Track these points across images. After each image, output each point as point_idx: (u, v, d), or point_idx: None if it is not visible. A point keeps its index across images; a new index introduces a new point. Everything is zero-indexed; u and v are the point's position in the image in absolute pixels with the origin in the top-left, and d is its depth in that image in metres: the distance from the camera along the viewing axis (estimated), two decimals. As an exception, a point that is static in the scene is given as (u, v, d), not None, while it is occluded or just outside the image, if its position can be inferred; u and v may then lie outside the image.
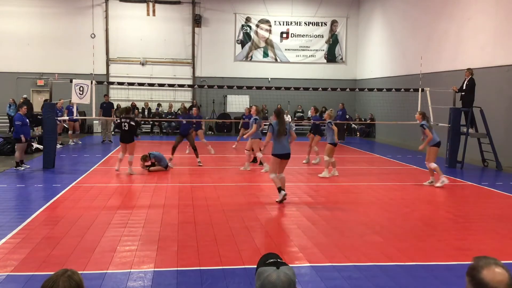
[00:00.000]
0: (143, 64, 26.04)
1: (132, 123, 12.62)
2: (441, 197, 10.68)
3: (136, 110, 24.66)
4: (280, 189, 9.40)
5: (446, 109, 15.48)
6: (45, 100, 16.26)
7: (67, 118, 18.18)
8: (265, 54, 27.26)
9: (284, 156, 9.42)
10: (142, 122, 24.58)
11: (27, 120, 13.56)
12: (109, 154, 16.77)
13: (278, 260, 2.18)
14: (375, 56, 25.43)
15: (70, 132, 20.06)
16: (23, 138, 13.02)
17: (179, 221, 8.01)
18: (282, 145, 9.33)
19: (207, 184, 11.48)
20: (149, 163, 13.29)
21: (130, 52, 25.97)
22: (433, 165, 11.52)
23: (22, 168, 13.05)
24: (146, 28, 26.01)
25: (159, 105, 25.42)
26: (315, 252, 6.57)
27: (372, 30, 26.00)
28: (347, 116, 24.07)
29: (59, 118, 15.99)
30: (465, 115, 15.02)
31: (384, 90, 17.22)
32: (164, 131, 24.94)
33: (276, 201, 9.44)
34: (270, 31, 27.18)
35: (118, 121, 13.05)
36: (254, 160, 15.22)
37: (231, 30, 26.91)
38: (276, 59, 27.30)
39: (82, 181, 11.61)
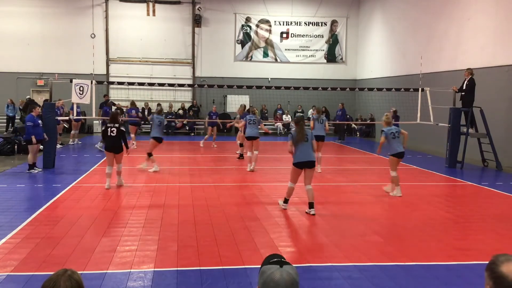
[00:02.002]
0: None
1: (122, 128, 10.99)
2: (441, 197, 10.67)
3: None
4: (286, 200, 8.92)
5: (446, 109, 15.48)
6: (45, 100, 16.25)
7: (73, 118, 18.16)
8: (265, 54, 27.26)
9: (304, 165, 8.61)
10: (142, 122, 24.56)
11: (39, 121, 12.94)
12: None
13: (282, 259, 2.18)
14: (375, 56, 25.43)
15: (72, 132, 20.04)
16: (34, 140, 12.54)
17: (179, 221, 8.01)
18: (303, 152, 8.59)
19: (207, 184, 11.48)
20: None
21: (130, 52, 25.97)
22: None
23: (36, 171, 12.62)
24: (146, 28, 26.01)
25: (159, 105, 25.39)
26: (316, 252, 6.57)
27: (372, 30, 26.00)
28: (347, 116, 24.09)
29: (59, 118, 15.97)
30: (465, 115, 15.01)
31: (384, 90, 17.22)
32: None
33: (280, 205, 9.02)
34: (270, 31, 27.17)
35: (103, 128, 11.34)
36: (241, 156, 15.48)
37: (231, 30, 26.91)
38: (276, 59, 27.29)
39: (82, 181, 11.60)
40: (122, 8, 25.89)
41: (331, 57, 27.72)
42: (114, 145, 10.84)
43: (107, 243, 6.78)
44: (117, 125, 10.93)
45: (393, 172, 10.33)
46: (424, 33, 20.19)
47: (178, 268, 5.82)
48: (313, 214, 8.51)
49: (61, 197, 9.74)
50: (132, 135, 18.81)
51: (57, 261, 5.96)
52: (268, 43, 27.23)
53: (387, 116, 10.70)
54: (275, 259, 2.18)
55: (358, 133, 26.03)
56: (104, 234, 7.20)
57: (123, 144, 10.96)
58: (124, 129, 11.06)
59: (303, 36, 27.42)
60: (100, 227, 7.58)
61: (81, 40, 25.23)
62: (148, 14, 26.01)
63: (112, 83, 18.14)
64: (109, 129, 10.90)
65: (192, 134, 25.51)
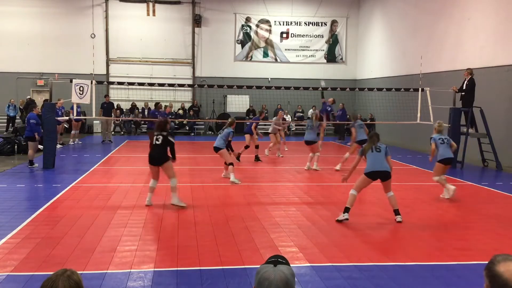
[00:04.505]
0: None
1: (171, 138, 9.36)
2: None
3: (136, 110, 24.68)
4: (346, 209, 8.15)
5: (446, 109, 15.47)
6: (45, 100, 16.26)
7: (73, 117, 18.18)
8: (265, 54, 27.25)
9: (377, 175, 8.12)
10: (142, 122, 24.58)
11: (39, 120, 13.66)
12: (109, 154, 16.77)
13: (279, 259, 2.19)
14: (375, 56, 25.43)
15: (73, 132, 20.05)
16: (37, 136, 13.24)
17: (179, 221, 8.01)
18: (374, 162, 8.15)
19: (207, 184, 11.48)
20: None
21: (130, 52, 25.96)
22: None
23: (36, 166, 13.20)
24: (146, 28, 26.01)
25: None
26: (315, 252, 6.57)
27: (372, 30, 25.99)
28: (347, 116, 24.05)
29: (59, 119, 15.99)
30: (465, 115, 15.02)
31: (384, 90, 17.21)
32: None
33: (336, 220, 8.19)
34: (270, 31, 27.17)
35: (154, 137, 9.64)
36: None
37: (231, 30, 26.91)
38: (276, 59, 27.29)
39: (82, 181, 11.60)
40: (122, 8, 25.89)
41: (331, 57, 27.72)
42: (157, 155, 9.20)
43: (107, 243, 6.78)
44: (164, 133, 9.36)
45: (435, 177, 10.26)
46: (424, 33, 20.19)
47: (178, 268, 5.82)
48: (399, 221, 8.08)
49: (61, 197, 9.73)
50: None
51: (57, 261, 5.96)
52: (268, 43, 27.23)
53: (440, 124, 10.49)
54: (272, 259, 2.19)
55: (358, 133, 25.99)
56: (104, 234, 7.20)
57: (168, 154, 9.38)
58: (172, 140, 9.41)
59: (303, 36, 27.42)
60: (100, 227, 7.58)
61: (81, 40, 25.22)
62: (148, 14, 26.00)
63: (112, 83, 18.12)
64: (154, 137, 9.40)
65: (192, 134, 25.52)
